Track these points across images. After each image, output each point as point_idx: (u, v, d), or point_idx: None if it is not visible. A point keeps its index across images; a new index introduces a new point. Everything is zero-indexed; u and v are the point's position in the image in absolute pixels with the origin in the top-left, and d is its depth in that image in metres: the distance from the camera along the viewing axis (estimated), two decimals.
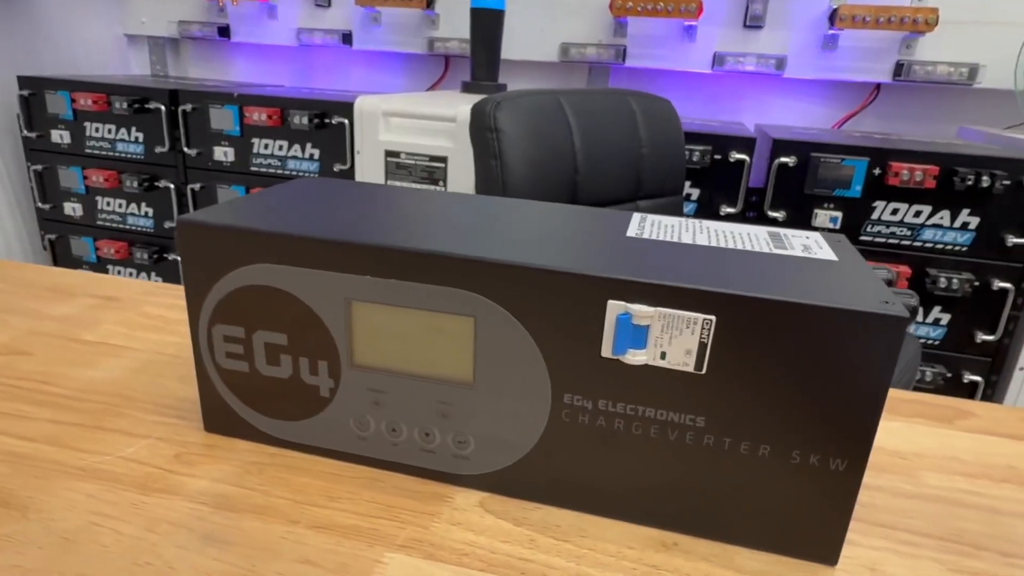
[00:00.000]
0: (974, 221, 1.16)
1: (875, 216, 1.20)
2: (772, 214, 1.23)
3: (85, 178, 1.62)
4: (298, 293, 0.33)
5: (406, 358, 0.33)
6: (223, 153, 1.49)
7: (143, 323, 0.51)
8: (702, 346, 0.28)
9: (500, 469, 0.33)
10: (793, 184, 1.21)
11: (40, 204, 1.69)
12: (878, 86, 1.64)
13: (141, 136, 1.54)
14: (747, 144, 1.23)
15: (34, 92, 1.58)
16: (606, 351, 0.30)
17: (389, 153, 1.34)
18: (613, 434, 0.31)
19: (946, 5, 1.48)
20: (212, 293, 0.34)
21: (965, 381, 1.25)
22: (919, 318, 1.23)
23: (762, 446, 0.29)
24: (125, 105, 1.50)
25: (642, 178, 1.01)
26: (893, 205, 1.19)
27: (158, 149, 1.53)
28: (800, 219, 1.22)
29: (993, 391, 1.26)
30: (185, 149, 1.51)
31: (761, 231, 0.37)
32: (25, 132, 1.62)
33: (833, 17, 1.52)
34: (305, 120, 1.40)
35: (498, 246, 0.31)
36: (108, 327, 0.50)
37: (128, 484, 0.33)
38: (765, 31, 1.62)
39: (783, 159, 1.20)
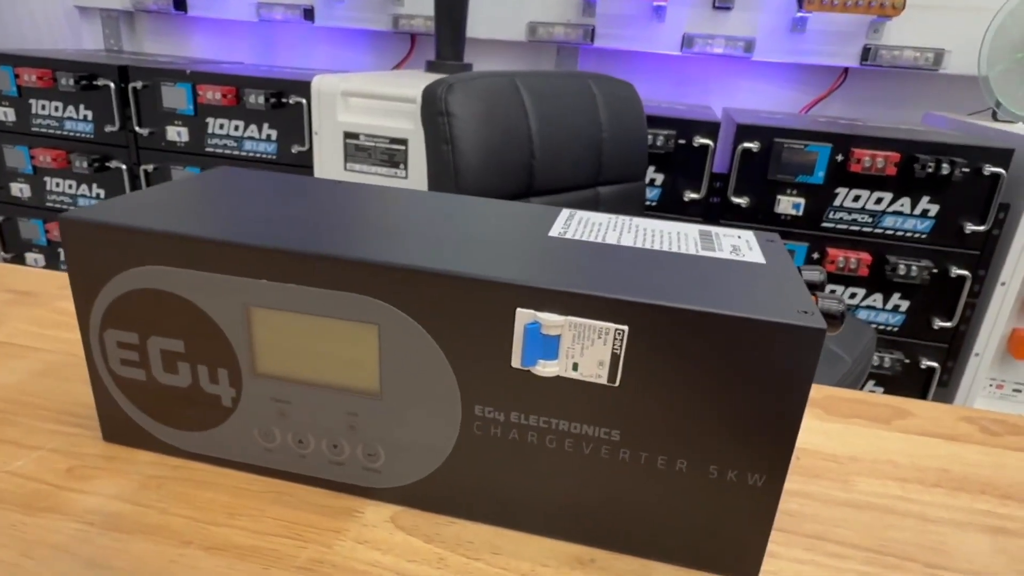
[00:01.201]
0: (934, 209, 1.17)
1: (837, 203, 1.20)
2: (736, 200, 1.22)
3: (32, 157, 1.55)
4: (192, 297, 0.31)
5: (310, 367, 0.31)
6: (176, 133, 1.44)
7: (55, 320, 0.48)
8: (615, 357, 0.27)
9: (413, 482, 0.32)
10: (757, 170, 1.20)
11: None
12: (846, 70, 1.64)
13: (90, 114, 1.48)
14: (711, 129, 1.21)
15: None
16: (516, 362, 0.28)
17: (348, 135, 1.31)
18: (526, 447, 0.29)
19: None
20: (101, 296, 0.32)
21: (923, 367, 1.26)
22: (879, 304, 1.24)
23: (679, 461, 0.28)
24: (71, 82, 1.43)
25: (603, 163, 0.99)
26: (855, 192, 1.19)
27: (108, 128, 1.47)
28: (763, 205, 1.22)
29: (949, 377, 1.28)
30: (137, 128, 1.46)
31: (693, 230, 0.35)
32: None
33: None
34: (261, 99, 1.35)
35: (404, 249, 0.29)
36: (16, 325, 0.47)
37: (11, 503, 0.31)
38: (734, 12, 1.60)
39: (747, 144, 1.19)
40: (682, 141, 1.22)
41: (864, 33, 1.56)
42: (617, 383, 0.27)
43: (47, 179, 1.57)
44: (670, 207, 1.26)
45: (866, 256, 1.20)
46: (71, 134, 1.51)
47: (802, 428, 0.42)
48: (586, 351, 0.27)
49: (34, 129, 1.53)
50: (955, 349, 1.26)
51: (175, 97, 1.42)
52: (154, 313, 0.31)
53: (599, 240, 0.32)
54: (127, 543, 0.29)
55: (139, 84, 1.43)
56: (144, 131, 1.46)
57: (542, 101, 0.88)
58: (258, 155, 1.42)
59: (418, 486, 0.32)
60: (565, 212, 0.37)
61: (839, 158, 1.17)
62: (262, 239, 0.29)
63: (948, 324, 1.22)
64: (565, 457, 0.29)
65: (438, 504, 0.32)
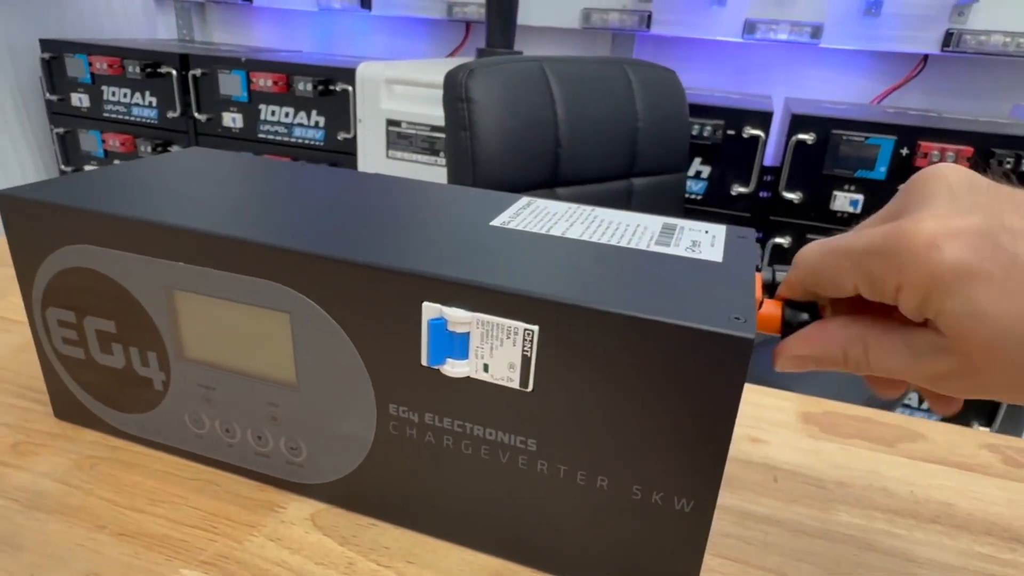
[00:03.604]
0: None
1: None
2: (787, 195, 1.14)
3: (103, 142, 1.64)
4: (118, 278, 0.30)
5: (232, 354, 0.30)
6: (231, 119, 1.48)
7: None
8: (525, 359, 0.24)
9: (335, 480, 0.30)
10: (811, 163, 1.12)
11: (63, 167, 1.73)
12: (925, 57, 1.51)
13: (154, 101, 1.55)
14: (762, 119, 1.14)
15: (55, 55, 1.60)
16: (425, 360, 0.26)
17: (390, 122, 1.31)
18: (442, 451, 0.27)
19: None
20: (40, 274, 0.32)
21: None
22: None
23: (599, 477, 0.25)
24: (138, 69, 1.50)
25: (638, 154, 0.95)
26: None
27: (170, 114, 1.53)
28: (818, 201, 1.14)
29: None
30: (196, 114, 1.51)
31: (656, 223, 0.32)
32: (48, 95, 1.65)
33: None
34: (309, 87, 1.37)
35: (317, 235, 0.28)
36: (13, 299, 0.48)
37: None
38: None
39: (801, 136, 1.11)
40: (731, 132, 1.15)
41: (947, 16, 1.43)
42: (530, 388, 0.25)
43: (116, 163, 1.65)
44: (716, 201, 1.20)
45: None
46: (137, 119, 1.59)
47: (791, 447, 0.38)
48: (496, 352, 0.25)
49: (105, 115, 1.62)
50: None
51: (231, 84, 1.46)
52: (87, 293, 0.31)
53: (542, 231, 0.30)
54: (43, 523, 0.29)
55: (198, 72, 1.48)
56: (202, 117, 1.51)
57: (571, 87, 0.85)
58: (307, 142, 1.45)
59: (340, 484, 0.30)
60: (523, 200, 0.35)
61: (904, 152, 1.08)
62: (180, 220, 0.28)
63: None
64: (482, 465, 0.27)
65: (360, 504, 0.30)
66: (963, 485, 0.35)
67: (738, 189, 1.18)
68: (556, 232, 0.30)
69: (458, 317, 0.24)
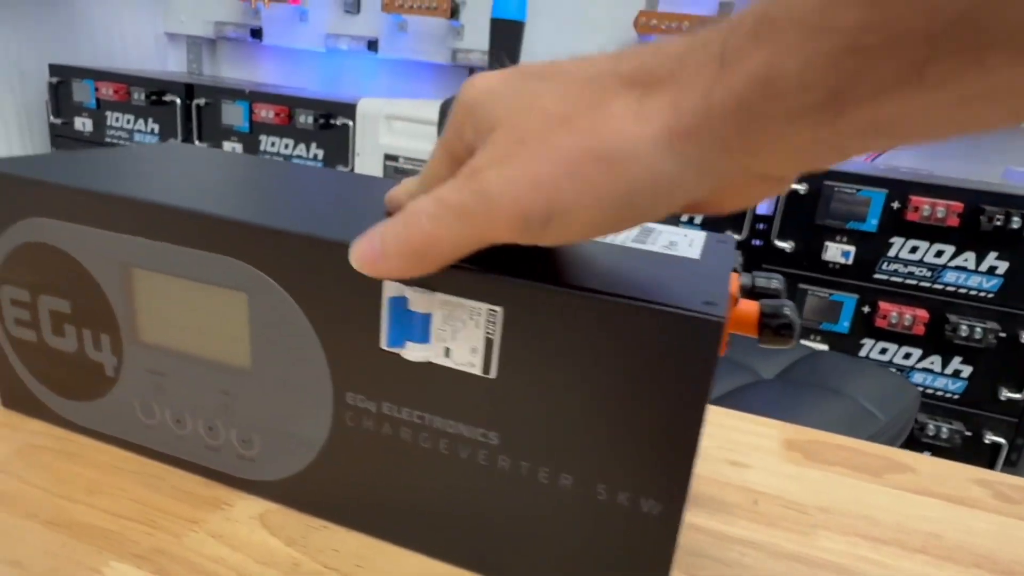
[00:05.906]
0: (1002, 266, 1.06)
1: (892, 253, 1.11)
2: (779, 244, 1.15)
3: None
4: (75, 253, 0.29)
5: (186, 337, 0.28)
6: (231, 148, 1.50)
7: None
8: (488, 343, 0.23)
9: (287, 477, 0.28)
10: (804, 214, 1.13)
11: None
12: None
13: (157, 128, 1.56)
14: None
15: (63, 80, 1.63)
16: (384, 341, 0.25)
17: (388, 156, 1.32)
18: (400, 445, 0.26)
19: None
20: None
21: (987, 442, 1.14)
22: (936, 368, 1.13)
23: (563, 475, 0.24)
24: (143, 96, 1.52)
25: None
26: (912, 243, 1.10)
27: (172, 142, 1.54)
28: (809, 251, 1.14)
29: (1019, 455, 1.14)
30: (196, 142, 1.53)
31: None
32: (52, 119, 1.67)
33: None
34: (310, 120, 1.39)
35: (280, 212, 0.27)
36: None
37: None
38: None
39: (793, 186, 1.12)
40: None
41: None
42: (493, 374, 0.24)
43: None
44: None
45: (923, 313, 1.10)
46: None
47: (773, 472, 0.36)
48: (458, 334, 0.23)
49: (108, 140, 1.63)
50: None
51: (233, 114, 1.48)
52: (43, 269, 0.30)
53: None
54: None
55: (202, 101, 1.50)
56: (203, 146, 1.52)
57: None
58: None
59: (293, 482, 0.28)
60: None
61: (895, 205, 1.08)
62: (138, 192, 0.27)
63: (1018, 396, 1.10)
64: (440, 460, 0.25)
65: (312, 504, 0.28)
66: (952, 517, 0.34)
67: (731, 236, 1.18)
68: None
69: (419, 296, 0.23)
